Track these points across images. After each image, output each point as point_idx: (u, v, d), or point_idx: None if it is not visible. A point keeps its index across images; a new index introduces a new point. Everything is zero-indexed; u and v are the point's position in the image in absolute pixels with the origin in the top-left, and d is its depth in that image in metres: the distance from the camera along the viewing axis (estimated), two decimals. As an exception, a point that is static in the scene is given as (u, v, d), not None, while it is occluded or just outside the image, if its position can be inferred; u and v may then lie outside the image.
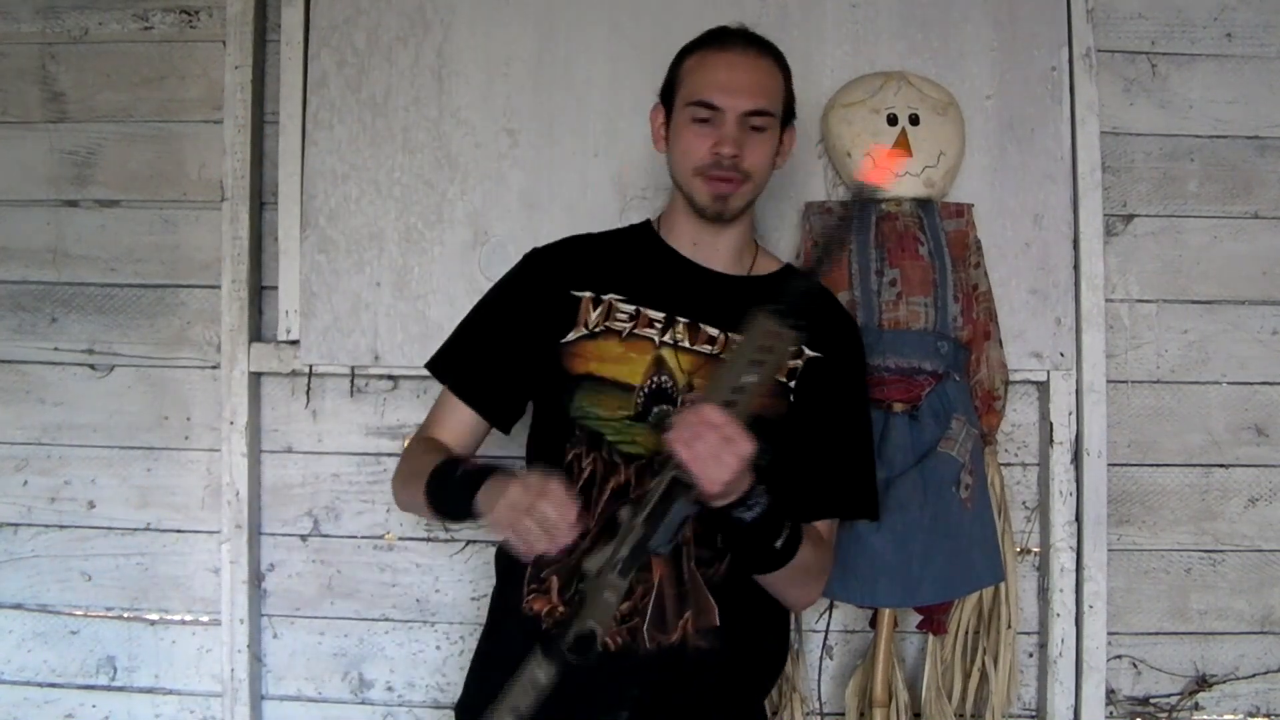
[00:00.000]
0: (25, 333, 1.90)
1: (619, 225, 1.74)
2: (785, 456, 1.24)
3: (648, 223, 1.48)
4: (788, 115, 1.41)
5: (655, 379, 1.32)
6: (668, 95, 1.40)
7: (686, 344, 1.34)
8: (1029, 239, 1.77)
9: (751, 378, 1.12)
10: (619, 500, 1.27)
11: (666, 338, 1.34)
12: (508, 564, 1.38)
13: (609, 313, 1.36)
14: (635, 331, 1.35)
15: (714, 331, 1.35)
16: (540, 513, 1.12)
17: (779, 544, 1.23)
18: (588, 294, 1.37)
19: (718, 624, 1.28)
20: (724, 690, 1.32)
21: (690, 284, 1.38)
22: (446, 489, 1.28)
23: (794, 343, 1.14)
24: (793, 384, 1.35)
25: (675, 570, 1.28)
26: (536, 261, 1.44)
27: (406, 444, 1.44)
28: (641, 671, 1.27)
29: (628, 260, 1.42)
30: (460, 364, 1.42)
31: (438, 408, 1.44)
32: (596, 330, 1.35)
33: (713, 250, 1.40)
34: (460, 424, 1.40)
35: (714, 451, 1.09)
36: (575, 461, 1.31)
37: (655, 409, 1.28)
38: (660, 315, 1.35)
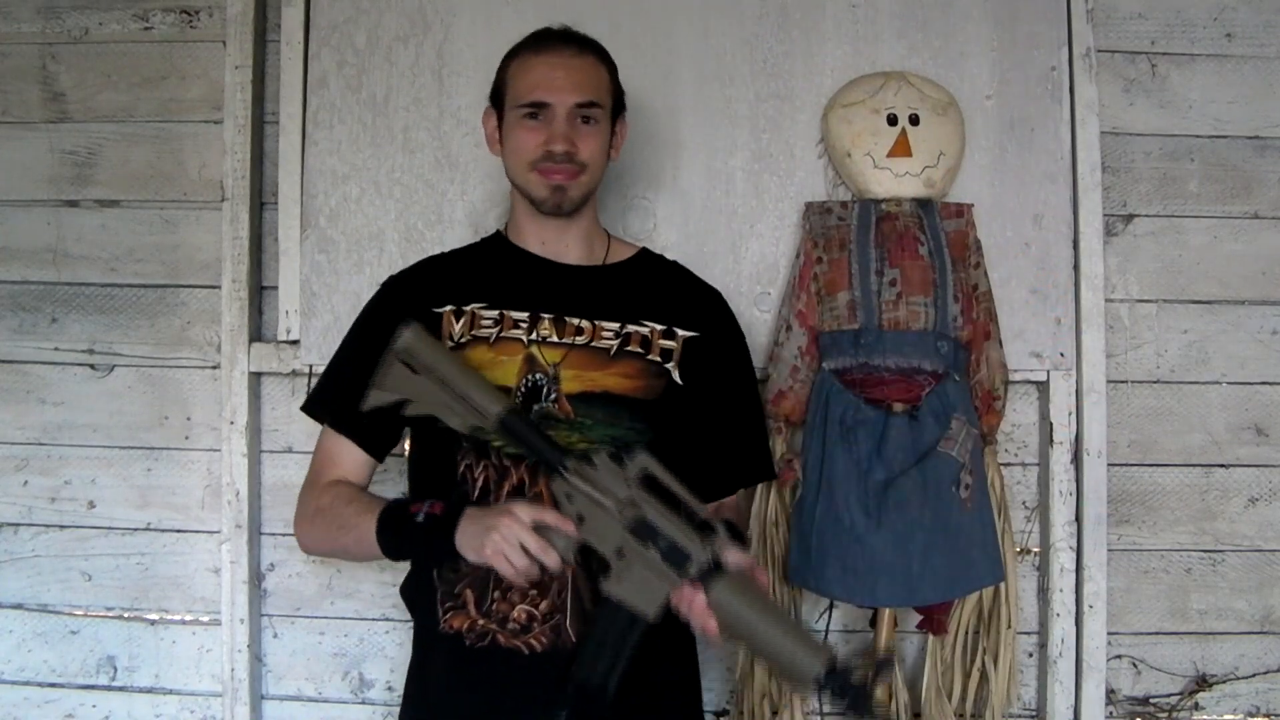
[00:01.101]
0: (25, 333, 1.90)
1: (619, 225, 1.76)
2: (670, 435, 1.33)
3: (498, 232, 1.50)
4: (618, 107, 1.44)
5: (530, 377, 1.34)
6: (497, 99, 1.43)
7: (554, 338, 1.36)
8: (1029, 239, 1.77)
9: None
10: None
11: (534, 335, 1.36)
12: (414, 597, 1.40)
13: (473, 322, 1.38)
14: (502, 335, 1.37)
15: (580, 322, 1.37)
16: (539, 536, 1.18)
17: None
18: (449, 308, 1.39)
19: None
20: (656, 676, 1.32)
21: (548, 280, 1.41)
22: (411, 536, 1.28)
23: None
24: (671, 365, 1.37)
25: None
26: (394, 287, 1.47)
27: (302, 492, 1.44)
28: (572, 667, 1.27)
29: (483, 269, 1.44)
30: (333, 400, 1.42)
31: (323, 450, 1.44)
32: (463, 340, 1.37)
33: (562, 245, 1.42)
34: (353, 460, 1.41)
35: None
36: (468, 471, 1.32)
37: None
38: (524, 315, 1.37)
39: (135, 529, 1.88)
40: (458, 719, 1.33)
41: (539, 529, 1.19)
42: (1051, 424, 1.77)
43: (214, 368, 1.86)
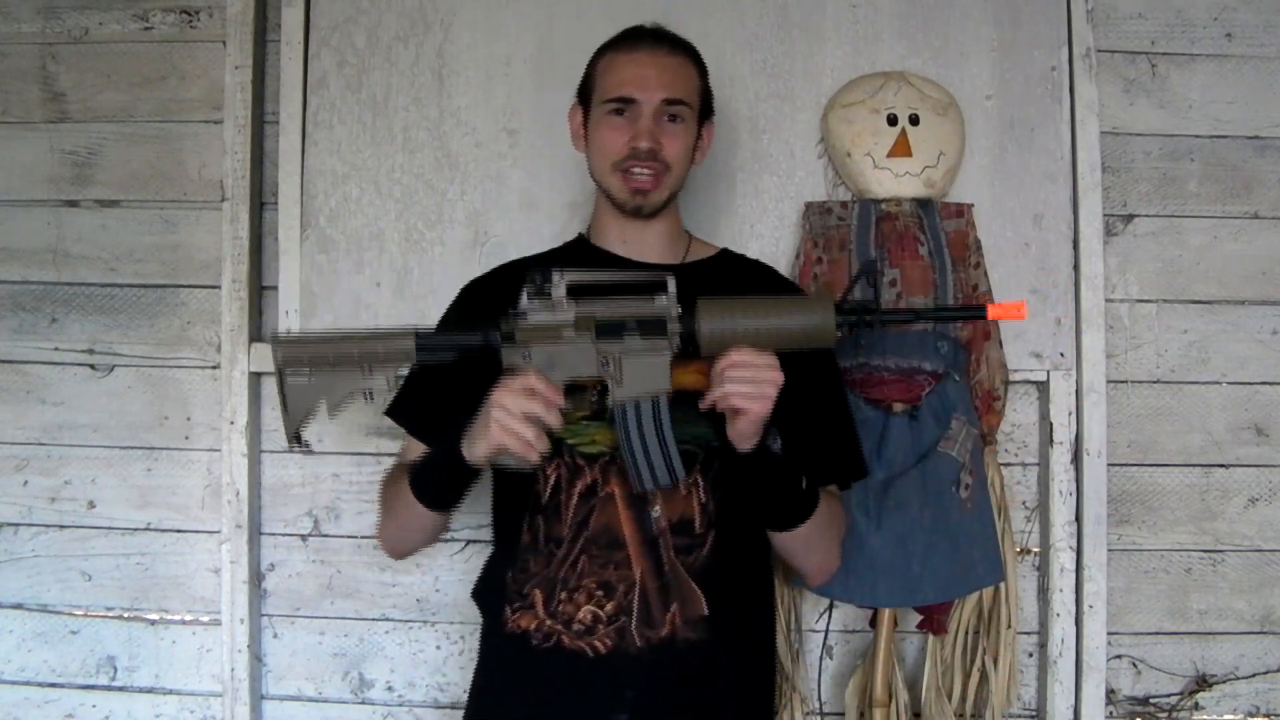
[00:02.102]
0: (25, 333, 1.90)
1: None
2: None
3: (579, 235, 1.50)
4: (705, 110, 1.42)
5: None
6: (584, 96, 1.42)
7: None
8: (1029, 239, 1.77)
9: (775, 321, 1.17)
10: (588, 500, 1.29)
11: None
12: (485, 597, 1.40)
13: None
14: None
15: None
16: (530, 404, 1.16)
17: (804, 483, 1.24)
18: None
19: (706, 612, 1.27)
20: (722, 681, 1.31)
21: None
22: (433, 470, 1.28)
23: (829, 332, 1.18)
24: None
25: (655, 563, 1.28)
26: (472, 291, 1.47)
27: (381, 486, 1.46)
28: (634, 671, 1.26)
29: None
30: (413, 405, 1.42)
31: (401, 451, 1.47)
32: None
33: (643, 245, 1.41)
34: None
35: (752, 384, 1.14)
36: (540, 470, 1.31)
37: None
38: None
39: (135, 529, 1.88)
40: (520, 719, 1.32)
41: (529, 394, 1.17)
42: (1051, 424, 1.77)
43: (214, 368, 1.86)
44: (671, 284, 1.20)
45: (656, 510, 1.29)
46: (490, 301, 1.40)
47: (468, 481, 1.27)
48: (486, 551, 1.75)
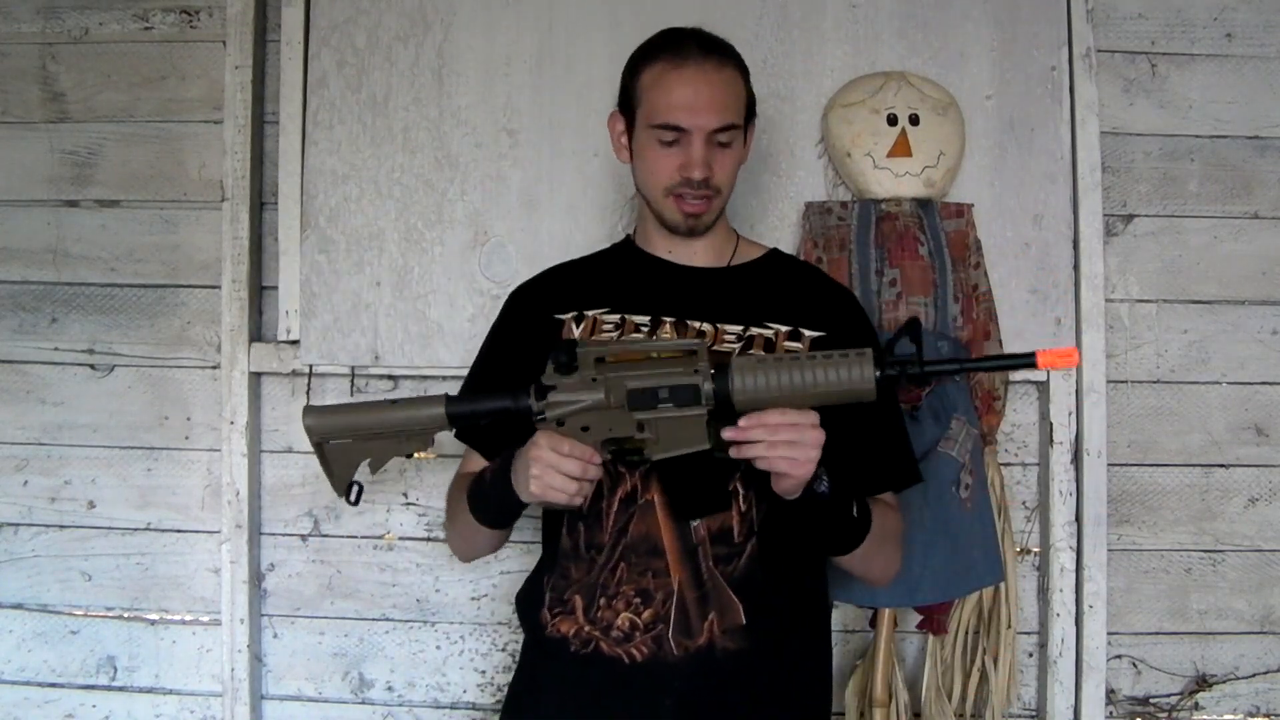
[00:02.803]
0: (25, 333, 1.90)
1: (620, 227, 1.76)
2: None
3: (627, 238, 1.49)
4: (749, 115, 1.39)
5: None
6: (626, 105, 1.38)
7: None
8: (1029, 239, 1.77)
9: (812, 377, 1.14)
10: (628, 507, 1.28)
11: (655, 339, 1.34)
12: (526, 603, 1.39)
13: (594, 327, 1.36)
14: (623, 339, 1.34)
15: (701, 325, 1.35)
16: (565, 462, 1.15)
17: (856, 511, 1.23)
18: (570, 314, 1.38)
19: (744, 622, 1.26)
20: (762, 691, 1.30)
21: (673, 284, 1.38)
22: (486, 497, 1.28)
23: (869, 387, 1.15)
24: None
25: (693, 572, 1.27)
26: (519, 298, 1.46)
27: (447, 494, 1.46)
28: (672, 680, 1.25)
29: (608, 275, 1.43)
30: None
31: (462, 462, 1.46)
32: None
33: (690, 252, 1.41)
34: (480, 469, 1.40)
35: (795, 447, 1.12)
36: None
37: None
38: (645, 319, 1.35)
39: (135, 529, 1.88)
40: None
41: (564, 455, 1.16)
42: (1051, 424, 1.77)
43: (214, 368, 1.86)
44: (703, 352, 1.18)
45: (696, 519, 1.28)
46: (536, 305, 1.40)
47: (518, 510, 1.27)
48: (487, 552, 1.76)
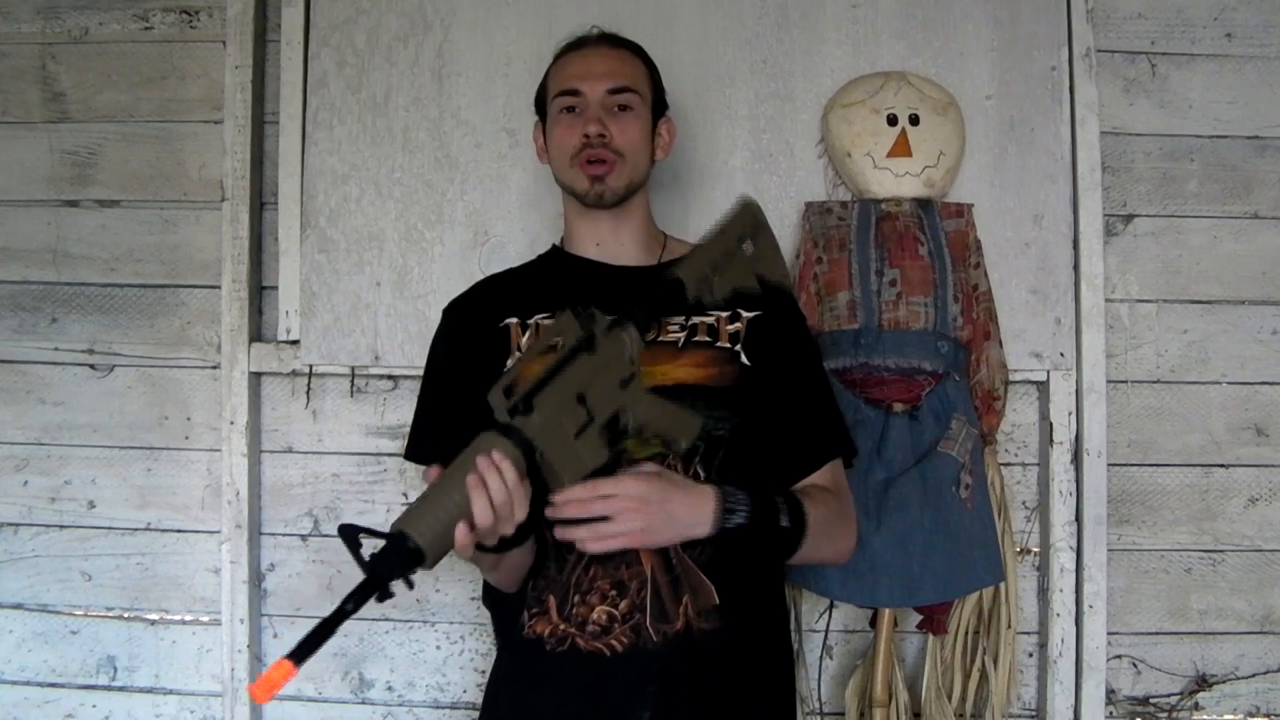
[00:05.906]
0: (25, 333, 1.90)
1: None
2: (750, 419, 1.30)
3: (554, 246, 1.50)
4: (660, 105, 1.43)
5: None
6: (541, 109, 1.44)
7: None
8: (1029, 239, 1.77)
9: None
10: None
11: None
12: (499, 604, 1.39)
13: (538, 333, 1.36)
14: None
15: None
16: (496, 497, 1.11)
17: (785, 521, 1.24)
18: (513, 320, 1.38)
19: (717, 602, 1.27)
20: (740, 667, 1.31)
21: (607, 284, 1.39)
22: None
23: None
24: (739, 348, 1.35)
25: (664, 558, 1.28)
26: (456, 311, 1.46)
27: None
28: (653, 666, 1.26)
29: (542, 282, 1.44)
30: (429, 443, 1.39)
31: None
32: None
33: (618, 246, 1.42)
34: None
35: (603, 527, 1.15)
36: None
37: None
38: None
39: (135, 529, 1.88)
40: None
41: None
42: (1051, 424, 1.77)
43: (214, 368, 1.86)
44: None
45: None
46: (473, 316, 1.41)
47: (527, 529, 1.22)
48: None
